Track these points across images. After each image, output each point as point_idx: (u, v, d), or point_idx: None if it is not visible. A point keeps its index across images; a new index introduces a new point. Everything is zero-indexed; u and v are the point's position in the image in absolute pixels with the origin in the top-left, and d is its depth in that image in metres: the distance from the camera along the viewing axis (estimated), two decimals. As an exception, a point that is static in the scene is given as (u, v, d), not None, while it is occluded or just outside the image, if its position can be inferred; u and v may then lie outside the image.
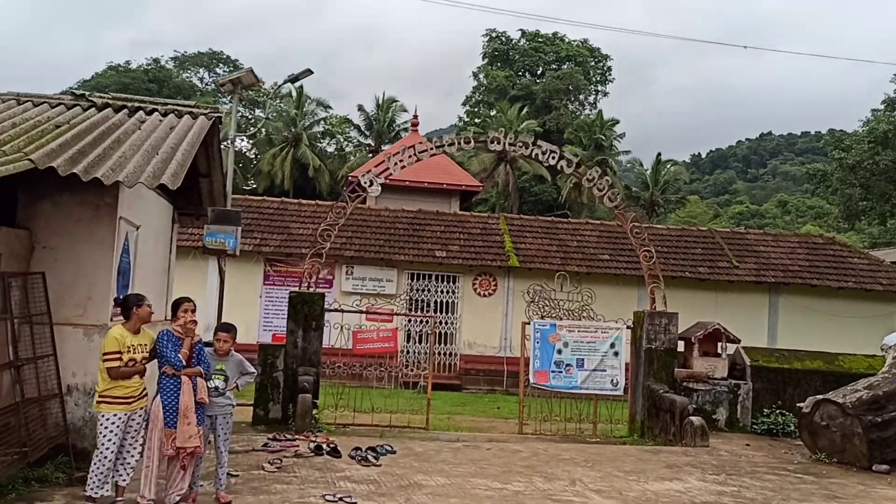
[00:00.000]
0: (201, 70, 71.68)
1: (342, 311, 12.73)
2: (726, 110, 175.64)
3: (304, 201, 23.06)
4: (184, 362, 6.13)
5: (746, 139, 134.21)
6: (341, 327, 12.42)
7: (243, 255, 19.89)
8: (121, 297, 6.16)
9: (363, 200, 26.84)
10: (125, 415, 5.95)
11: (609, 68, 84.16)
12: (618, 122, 73.00)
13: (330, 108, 62.71)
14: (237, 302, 19.89)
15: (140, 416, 6.13)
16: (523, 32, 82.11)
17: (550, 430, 12.90)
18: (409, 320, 20.63)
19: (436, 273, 20.81)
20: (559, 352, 12.91)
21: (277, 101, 62.23)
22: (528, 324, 13.10)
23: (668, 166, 67.75)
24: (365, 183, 12.42)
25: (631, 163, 74.94)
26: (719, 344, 13.01)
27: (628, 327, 13.08)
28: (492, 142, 12.68)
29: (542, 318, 13.23)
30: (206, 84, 71.01)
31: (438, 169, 30.83)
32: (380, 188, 12.55)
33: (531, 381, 12.91)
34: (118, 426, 5.91)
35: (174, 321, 6.27)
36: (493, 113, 67.79)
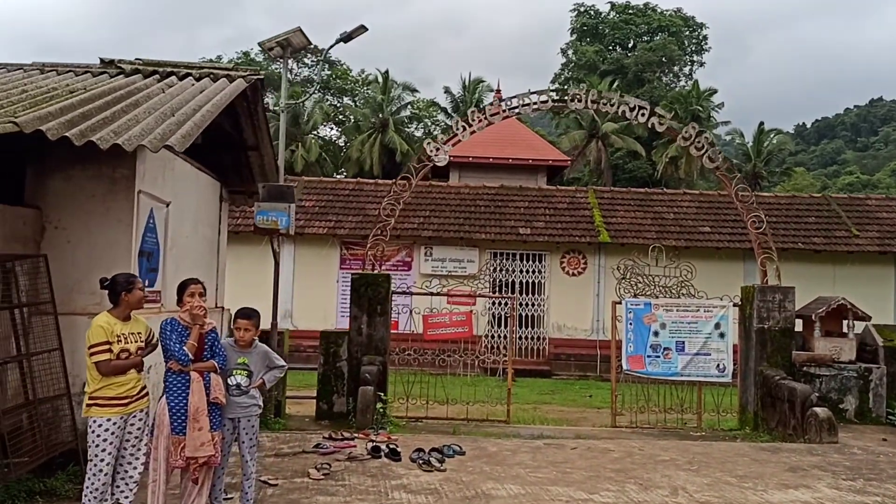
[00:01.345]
0: (290, 61, 72.06)
1: (410, 293, 11.68)
2: (831, 76, 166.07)
3: (380, 181, 22.14)
4: (191, 356, 5.12)
5: (855, 106, 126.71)
6: (410, 311, 11.36)
7: (318, 239, 19.16)
8: (108, 277, 5.17)
9: (444, 176, 25.85)
10: (121, 418, 4.99)
11: (705, 37, 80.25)
12: (715, 91, 69.54)
13: (417, 91, 62.10)
14: (313, 289, 19.21)
15: (140, 419, 5.16)
16: (612, 5, 79.39)
17: (648, 421, 11.47)
18: (493, 303, 19.46)
19: (520, 252, 19.51)
20: (655, 334, 11.43)
21: (365, 88, 62.00)
22: (620, 303, 11.68)
23: (772, 136, 64.09)
24: (431, 152, 11.24)
25: (731, 134, 71.31)
26: (845, 322, 11.22)
27: (735, 305, 11.47)
28: (572, 99, 11.27)
29: (635, 296, 11.77)
30: (296, 74, 71.60)
31: (524, 144, 29.42)
32: (447, 157, 11.35)
33: (624, 367, 11.49)
34: (113, 433, 4.95)
35: (180, 307, 5.27)
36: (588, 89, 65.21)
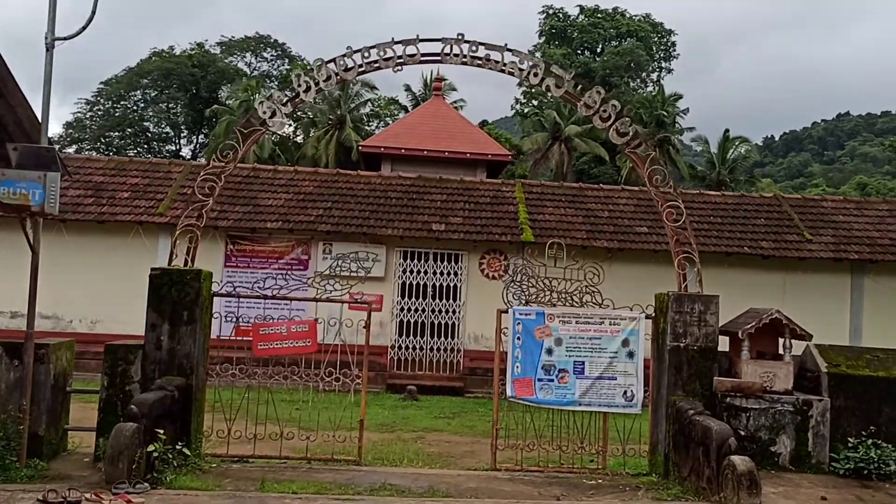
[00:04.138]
0: (248, 55, 69.57)
1: (237, 296, 9.22)
2: (800, 90, 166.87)
3: (280, 168, 19.57)
4: None
5: (822, 120, 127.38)
6: (237, 318, 8.93)
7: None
8: None
9: (377, 169, 23.37)
10: None
11: (673, 44, 79.48)
12: (680, 97, 68.47)
13: (376, 89, 60.35)
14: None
15: None
16: (581, 8, 78.34)
17: (538, 461, 9.15)
18: (403, 308, 17.09)
19: (433, 251, 17.12)
20: (549, 352, 9.10)
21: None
22: (506, 312, 9.36)
23: (737, 144, 62.86)
24: (263, 113, 8.80)
25: (696, 141, 70.15)
26: (781, 341, 8.97)
27: (648, 317, 9.19)
28: (448, 54, 8.85)
29: (527, 303, 9.47)
30: (254, 68, 68.95)
31: (463, 138, 27.20)
32: (285, 122, 8.93)
33: (508, 393, 9.16)
34: None
35: None
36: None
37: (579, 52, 77.40)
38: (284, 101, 8.86)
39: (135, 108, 61.43)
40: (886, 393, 8.60)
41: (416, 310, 17.06)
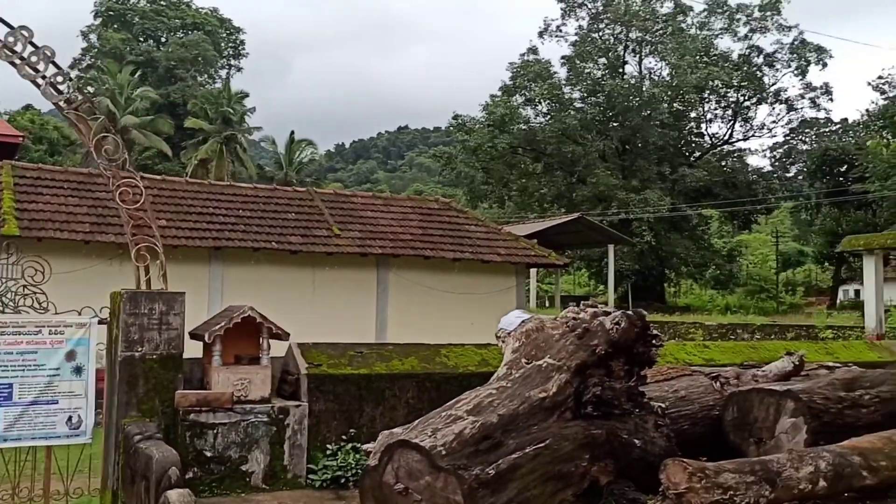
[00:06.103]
0: None
1: None
2: (368, 102, 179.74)
3: None
4: None
5: (386, 131, 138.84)
6: None
7: None
8: None
9: None
10: None
11: (242, 42, 79.02)
12: (247, 95, 68.18)
13: None
14: None
15: None
16: (143, -8, 73.71)
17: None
18: None
19: None
20: (-38, 374, 6.80)
21: None
22: None
23: (304, 146, 64.32)
24: None
25: (265, 140, 70.42)
26: (261, 342, 7.84)
27: (103, 322, 7.39)
28: None
29: (-69, 312, 7.02)
30: None
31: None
32: None
33: None
34: None
35: None
36: (105, 77, 58.60)
37: (141, 38, 72.80)
38: None
39: None
40: (367, 391, 7.95)
41: None
